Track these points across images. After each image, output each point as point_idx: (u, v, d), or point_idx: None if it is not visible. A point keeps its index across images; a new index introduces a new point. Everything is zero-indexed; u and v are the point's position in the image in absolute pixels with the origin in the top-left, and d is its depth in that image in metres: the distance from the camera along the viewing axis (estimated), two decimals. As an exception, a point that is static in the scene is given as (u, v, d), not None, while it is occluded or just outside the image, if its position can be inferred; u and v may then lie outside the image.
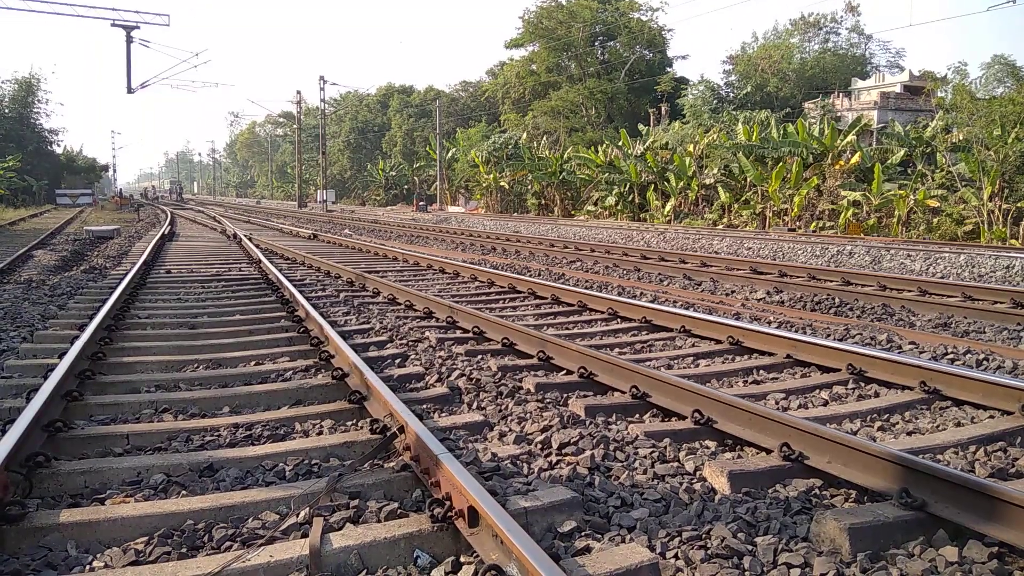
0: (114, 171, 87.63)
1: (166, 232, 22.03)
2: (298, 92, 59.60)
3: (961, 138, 24.45)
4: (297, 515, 3.11)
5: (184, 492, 3.41)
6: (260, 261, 12.79)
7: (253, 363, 5.93)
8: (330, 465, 3.75)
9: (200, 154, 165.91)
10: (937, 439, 4.10)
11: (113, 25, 26.54)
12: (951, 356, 6.17)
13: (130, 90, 29.34)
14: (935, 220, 23.43)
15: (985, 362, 5.97)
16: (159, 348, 6.39)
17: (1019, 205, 21.70)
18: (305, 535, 2.94)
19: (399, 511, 3.14)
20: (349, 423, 4.48)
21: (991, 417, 4.50)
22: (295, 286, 9.44)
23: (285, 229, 25.66)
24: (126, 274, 10.77)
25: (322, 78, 51.69)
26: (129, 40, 27.13)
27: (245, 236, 19.03)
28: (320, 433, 4.29)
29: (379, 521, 3.06)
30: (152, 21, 27.21)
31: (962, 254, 14.26)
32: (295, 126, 62.43)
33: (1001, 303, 8.95)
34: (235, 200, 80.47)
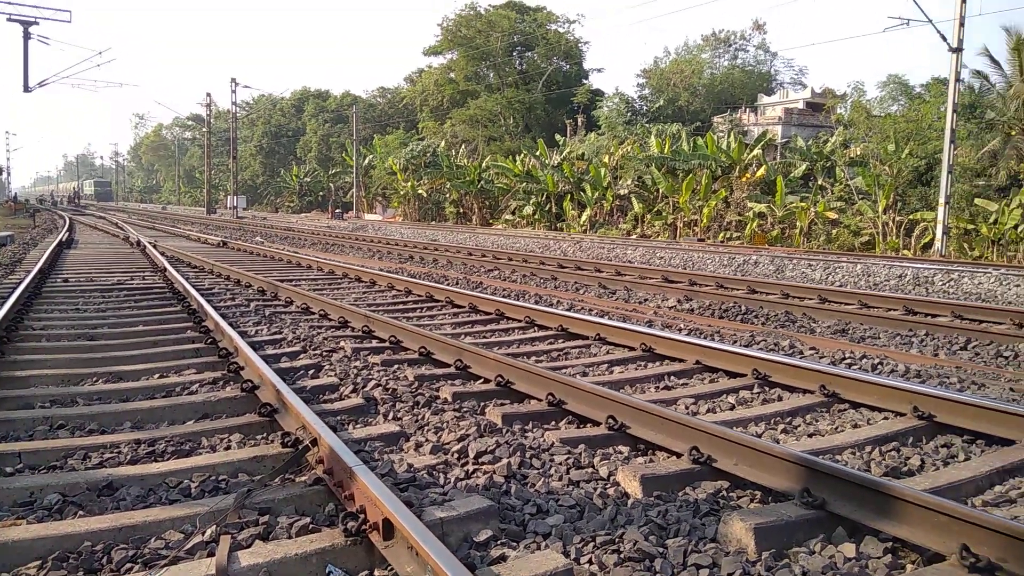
0: (8, 174, 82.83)
1: (64, 239, 20.95)
2: (208, 94, 57.66)
3: (858, 153, 25.85)
4: (203, 533, 2.99)
5: (81, 512, 3.24)
6: (165, 269, 12.30)
7: (157, 376, 5.69)
8: (239, 481, 3.63)
9: (103, 157, 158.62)
10: (836, 440, 4.29)
11: (10, 20, 25.23)
12: (849, 361, 6.48)
13: (27, 89, 27.87)
14: (834, 231, 24.63)
15: (880, 366, 6.29)
16: (55, 361, 6.05)
17: (911, 217, 23.04)
18: (211, 554, 2.83)
19: (311, 526, 3.07)
20: (259, 437, 4.35)
21: (885, 418, 4.74)
22: (203, 295, 9.12)
23: (193, 236, 24.80)
24: (19, 283, 10.17)
25: (233, 80, 50.23)
26: (27, 36, 25.81)
27: (150, 243, 18.29)
28: (228, 448, 4.15)
29: (290, 537, 2.98)
30: (53, 17, 25.96)
31: (859, 264, 15.02)
32: (204, 129, 60.49)
33: (894, 310, 9.46)
34: (139, 206, 77.23)
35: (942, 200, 19.99)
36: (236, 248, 19.65)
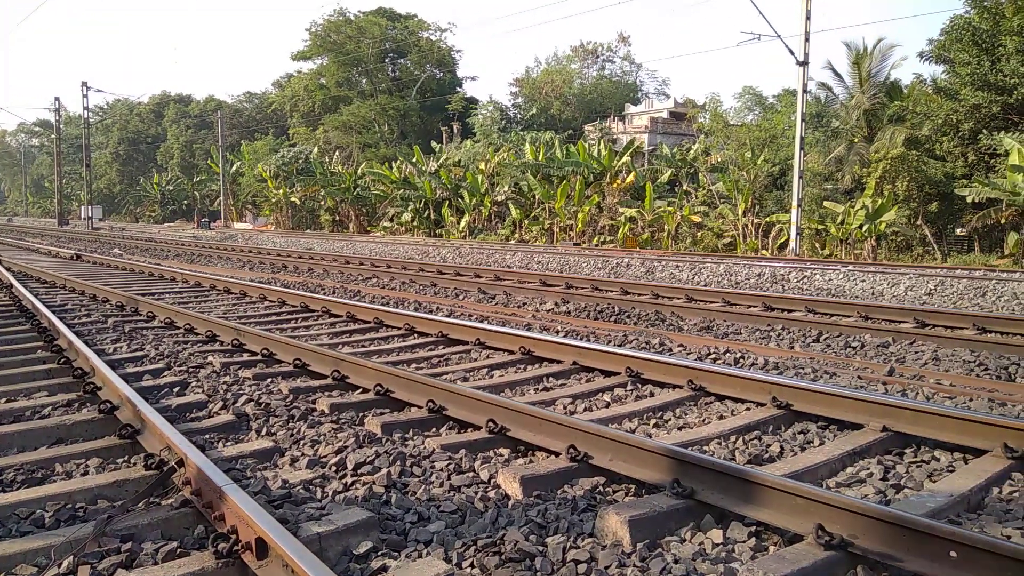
0: None
1: None
2: (56, 99, 53.91)
3: (719, 160, 27.31)
4: (59, 565, 2.79)
5: (-87, 554, 2.94)
6: (12, 286, 11.35)
7: (3, 400, 5.24)
8: (98, 508, 3.41)
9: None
10: (703, 432, 4.50)
11: None
12: (714, 356, 6.82)
13: None
14: (699, 234, 25.90)
15: (742, 360, 6.65)
16: None
17: (768, 220, 24.54)
18: (68, 588, 2.64)
19: (179, 550, 2.92)
20: (120, 460, 4.09)
21: (748, 409, 5.02)
22: (54, 312, 8.49)
23: (43, 249, 23.04)
24: None
25: (85, 84, 47.05)
26: None
27: (-8, 258, 16.83)
28: (86, 473, 3.88)
29: (155, 563, 2.82)
30: None
31: (722, 264, 15.84)
32: (53, 135, 56.34)
33: (754, 306, 10.04)
34: None
35: (795, 203, 21.40)
36: (91, 261, 18.41)
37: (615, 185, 28.39)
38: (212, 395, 5.34)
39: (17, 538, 3.07)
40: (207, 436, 4.44)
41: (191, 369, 6.21)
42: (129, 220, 63.95)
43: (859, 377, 6.10)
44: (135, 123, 70.55)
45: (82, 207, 51.37)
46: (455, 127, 43.59)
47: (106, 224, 52.36)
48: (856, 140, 25.28)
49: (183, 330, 8.09)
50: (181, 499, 3.33)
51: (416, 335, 7.82)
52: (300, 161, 43.56)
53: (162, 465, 3.64)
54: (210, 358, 6.54)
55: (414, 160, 35.68)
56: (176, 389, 5.53)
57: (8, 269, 14.41)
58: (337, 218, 41.27)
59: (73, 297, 11.10)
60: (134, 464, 3.99)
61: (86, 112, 49.74)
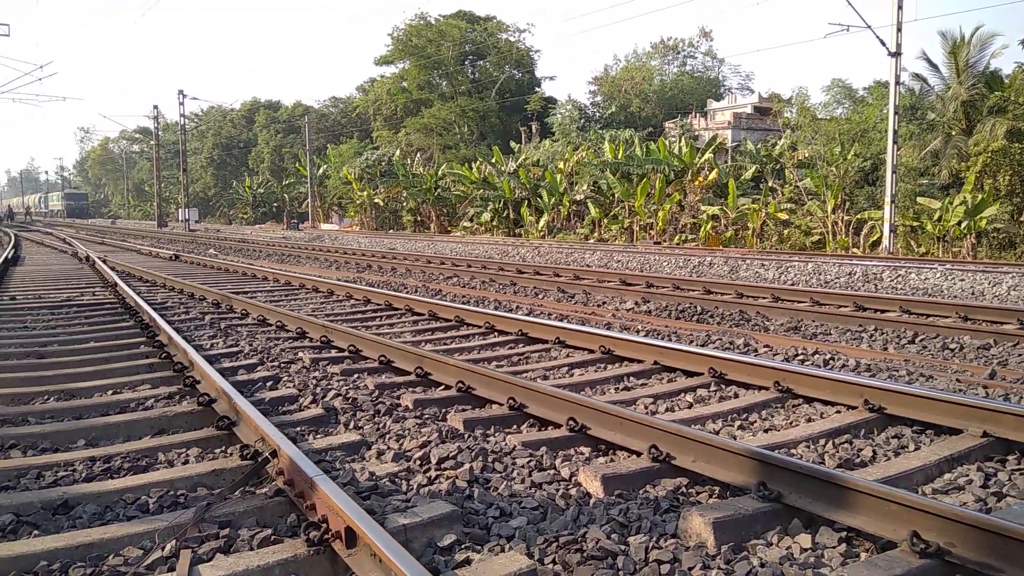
0: (-52, 191, 79.94)
1: (9, 256, 20.33)
2: (155, 107, 56.65)
3: (806, 155, 26.45)
4: (163, 549, 2.95)
5: (37, 532, 3.17)
6: (116, 284, 12.03)
7: (110, 392, 5.57)
8: (198, 495, 3.59)
9: (47, 172, 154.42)
10: (791, 435, 4.39)
11: (-55, 35, 24.38)
12: (802, 357, 6.63)
13: (-36, 103, 26.99)
14: (785, 231, 25.16)
15: (831, 361, 6.45)
16: (3, 380, 5.88)
17: (858, 216, 23.65)
18: (172, 569, 2.80)
19: (273, 537, 3.05)
20: (218, 450, 4.30)
21: (838, 412, 4.86)
22: (156, 310, 8.95)
23: (144, 250, 24.28)
24: (-39, 302, 9.87)
25: (181, 92, 49.32)
26: (-38, 50, 24.95)
27: (99, 258, 17.85)
28: (186, 462, 4.09)
29: (251, 549, 2.95)
30: (-11, 30, 25.16)
31: (810, 262, 15.37)
32: (152, 142, 59.33)
33: (845, 306, 9.71)
34: (87, 220, 75.11)
35: (888, 199, 20.56)
36: (189, 261, 19.30)
37: (697, 182, 27.89)
38: (302, 389, 5.53)
39: (124, 522, 3.26)
40: (298, 428, 4.61)
41: (282, 364, 6.45)
42: (223, 222, 66.69)
43: (957, 380, 5.83)
44: (228, 129, 73.57)
45: (179, 210, 53.88)
46: (534, 127, 43.68)
47: (202, 226, 54.79)
48: (954, 133, 24.05)
49: (275, 327, 8.40)
50: (275, 488, 3.47)
51: (496, 333, 7.90)
52: (383, 163, 44.52)
53: (257, 455, 3.79)
54: (300, 354, 6.78)
55: (493, 160, 35.95)
56: (269, 383, 5.75)
57: (113, 269, 15.27)
58: (419, 219, 41.99)
59: (172, 295, 11.67)
60: (230, 454, 4.18)
61: (182, 119, 52.16)
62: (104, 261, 17.02)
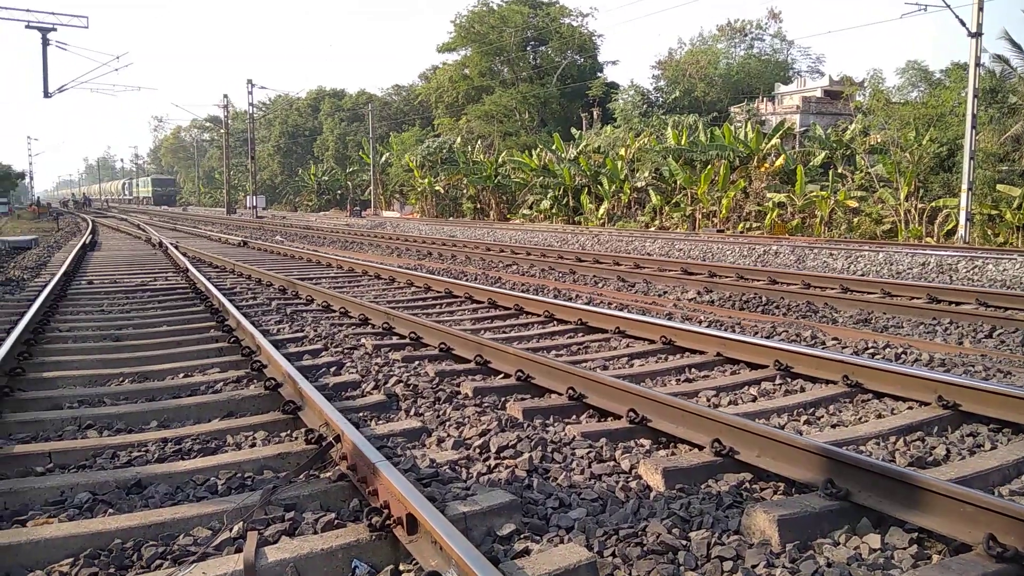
0: (31, 179, 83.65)
1: (87, 241, 21.22)
2: (225, 96, 58.31)
3: (878, 140, 25.50)
4: (230, 529, 3.03)
5: (111, 510, 3.30)
6: (187, 270, 12.43)
7: (182, 375, 5.77)
8: (264, 478, 3.68)
9: (122, 160, 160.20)
10: (860, 431, 4.26)
11: (28, 27, 25.41)
12: (872, 351, 6.42)
13: (47, 94, 28.18)
14: (855, 220, 24.37)
15: (903, 355, 6.23)
16: (82, 362, 6.15)
17: (933, 204, 22.76)
18: (239, 550, 2.87)
19: (336, 521, 3.11)
20: (283, 434, 4.40)
21: (910, 408, 4.70)
22: (225, 295, 9.22)
23: (213, 236, 25.02)
24: (45, 285, 10.33)
25: (250, 81, 50.47)
26: (45, 43, 26.02)
27: (171, 244, 18.48)
28: (253, 445, 4.20)
29: (315, 532, 3.01)
30: (70, 23, 26.12)
31: (881, 252, 14.86)
32: (222, 130, 60.95)
33: (918, 298, 9.36)
34: (158, 207, 77.75)
35: (965, 186, 19.72)
36: (256, 247, 19.80)
37: (763, 169, 27.23)
38: (365, 375, 5.62)
39: (194, 502, 3.37)
40: (360, 414, 4.68)
41: (346, 350, 6.56)
42: (288, 209, 68.21)
43: (1040, 377, 5.56)
44: (294, 117, 75.06)
45: (247, 197, 55.31)
46: (595, 113, 43.28)
47: (269, 213, 56.16)
48: (1038, 116, 22.87)
49: (338, 313, 8.56)
50: (338, 473, 3.53)
51: (555, 322, 7.87)
52: (444, 151, 44.77)
53: (321, 440, 3.87)
54: (363, 340, 6.88)
55: (553, 147, 35.79)
56: (333, 369, 5.86)
57: (184, 255, 15.79)
58: (478, 206, 42.16)
59: (241, 281, 12.00)
60: (295, 438, 4.27)
61: (251, 108, 53.43)
62: (176, 247, 17.61)
